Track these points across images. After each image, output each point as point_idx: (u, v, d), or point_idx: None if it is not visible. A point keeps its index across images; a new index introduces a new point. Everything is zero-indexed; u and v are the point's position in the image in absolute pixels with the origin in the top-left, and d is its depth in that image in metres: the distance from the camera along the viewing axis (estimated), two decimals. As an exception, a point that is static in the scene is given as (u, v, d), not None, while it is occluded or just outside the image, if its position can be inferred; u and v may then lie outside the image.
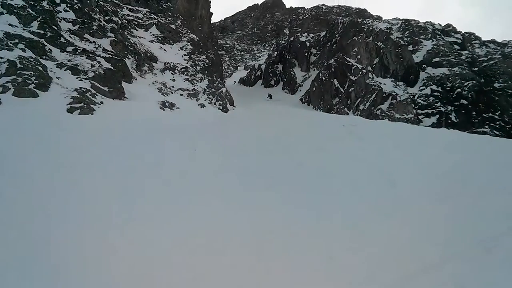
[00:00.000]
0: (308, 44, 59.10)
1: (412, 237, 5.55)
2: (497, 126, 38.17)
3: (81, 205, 6.03)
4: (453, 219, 6.31)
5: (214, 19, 53.37)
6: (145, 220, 5.75)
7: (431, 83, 44.40)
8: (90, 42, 20.47)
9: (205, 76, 30.31)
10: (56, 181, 7.01)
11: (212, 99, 27.59)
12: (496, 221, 6.03)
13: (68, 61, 17.29)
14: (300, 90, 51.27)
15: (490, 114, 39.55)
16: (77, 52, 18.44)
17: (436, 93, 42.72)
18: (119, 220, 5.66)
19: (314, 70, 54.09)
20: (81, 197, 6.40)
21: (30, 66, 14.38)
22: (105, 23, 23.38)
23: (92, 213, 5.79)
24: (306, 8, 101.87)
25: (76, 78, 16.65)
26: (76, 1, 21.59)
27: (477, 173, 9.43)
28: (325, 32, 61.30)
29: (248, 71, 67.33)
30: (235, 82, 63.32)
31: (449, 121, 39.00)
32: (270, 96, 47.78)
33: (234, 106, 30.67)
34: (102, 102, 16.31)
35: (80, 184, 6.98)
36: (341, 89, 42.14)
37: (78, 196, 6.41)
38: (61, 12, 20.28)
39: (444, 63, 46.89)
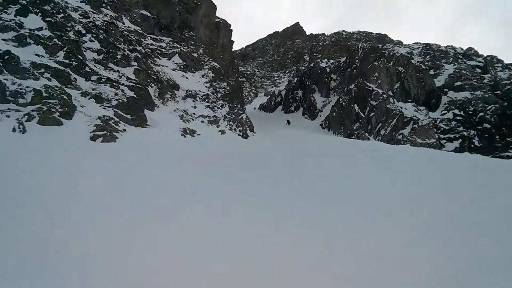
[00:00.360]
0: (328, 69, 59.21)
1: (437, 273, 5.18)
2: (521, 150, 37.27)
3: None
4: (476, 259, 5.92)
5: (235, 47, 54.29)
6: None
7: (453, 107, 43.70)
8: (114, 71, 20.97)
9: (226, 102, 30.56)
10: (77, 205, 6.99)
11: (232, 126, 27.70)
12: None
13: (92, 89, 17.70)
14: (320, 116, 51.00)
15: (514, 138, 38.69)
16: (101, 81, 18.88)
17: (458, 117, 42.00)
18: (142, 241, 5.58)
19: (334, 95, 53.96)
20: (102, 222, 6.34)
21: (55, 95, 14.73)
22: (129, 53, 23.96)
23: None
24: (326, 34, 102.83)
25: (100, 106, 16.97)
26: (101, 32, 22.27)
27: (500, 198, 9.07)
28: (345, 57, 61.41)
29: (268, 97, 67.73)
30: (255, 108, 63.70)
31: (472, 145, 38.21)
32: (288, 122, 47.41)
33: (254, 132, 30.70)
34: (124, 130, 16.52)
35: (96, 211, 6.94)
36: (362, 114, 41.80)
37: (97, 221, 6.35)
38: (86, 42, 20.93)
39: (466, 87, 46.23)
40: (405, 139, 36.82)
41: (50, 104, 14.11)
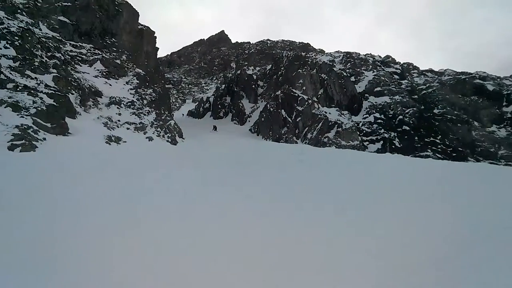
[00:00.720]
0: (255, 77, 60.64)
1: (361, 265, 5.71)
2: (439, 149, 40.57)
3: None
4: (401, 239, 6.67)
5: (160, 54, 53.57)
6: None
7: (374, 111, 46.79)
8: (32, 78, 20.06)
9: (153, 109, 30.28)
10: None
11: (160, 132, 27.55)
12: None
13: (9, 97, 16.90)
14: (249, 121, 52.03)
15: (432, 139, 42.00)
16: (18, 89, 18.04)
17: (379, 121, 44.98)
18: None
19: (262, 101, 55.28)
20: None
21: (-33, 103, 13.95)
22: (48, 59, 23.02)
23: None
24: (251, 42, 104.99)
25: (17, 115, 16.28)
26: (17, 38, 21.22)
27: (422, 193, 10.13)
28: (271, 65, 63.28)
29: (196, 104, 67.69)
30: (183, 114, 63.34)
31: (393, 146, 41.02)
32: (215, 128, 47.02)
33: (183, 138, 30.71)
34: (44, 139, 15.99)
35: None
36: (289, 119, 43.33)
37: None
38: (1, 49, 19.85)
39: (385, 92, 49.82)
40: (330, 141, 38.65)
41: (-39, 113, 13.36)
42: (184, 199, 9.42)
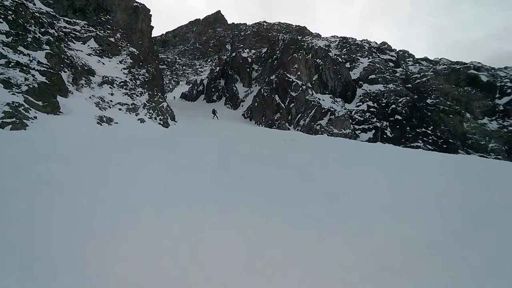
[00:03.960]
0: (250, 60, 60.04)
1: (349, 250, 5.68)
2: (430, 140, 40.99)
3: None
4: (389, 230, 6.67)
5: (155, 33, 52.78)
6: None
7: (367, 99, 46.97)
8: (24, 54, 19.70)
9: (145, 90, 30.02)
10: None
11: (152, 114, 27.36)
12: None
13: (0, 74, 16.63)
14: (243, 106, 51.55)
15: (423, 129, 42.41)
16: (10, 65, 17.74)
17: (372, 109, 45.19)
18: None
19: (256, 85, 54.90)
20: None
21: (-43, 79, 13.74)
22: (41, 35, 22.60)
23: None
24: (247, 24, 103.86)
25: (9, 92, 16.06)
26: (10, 13, 20.78)
27: (411, 184, 10.20)
28: (266, 48, 62.76)
29: (190, 86, 67.12)
30: (174, 97, 62.78)
31: (385, 136, 41.28)
32: (214, 112, 42.22)
33: (175, 121, 30.56)
34: (35, 117, 15.82)
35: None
36: (282, 105, 43.19)
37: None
38: (-7, 23, 19.46)
39: (379, 79, 49.95)
40: (322, 129, 38.74)
41: (-49, 89, 13.16)
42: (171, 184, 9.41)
